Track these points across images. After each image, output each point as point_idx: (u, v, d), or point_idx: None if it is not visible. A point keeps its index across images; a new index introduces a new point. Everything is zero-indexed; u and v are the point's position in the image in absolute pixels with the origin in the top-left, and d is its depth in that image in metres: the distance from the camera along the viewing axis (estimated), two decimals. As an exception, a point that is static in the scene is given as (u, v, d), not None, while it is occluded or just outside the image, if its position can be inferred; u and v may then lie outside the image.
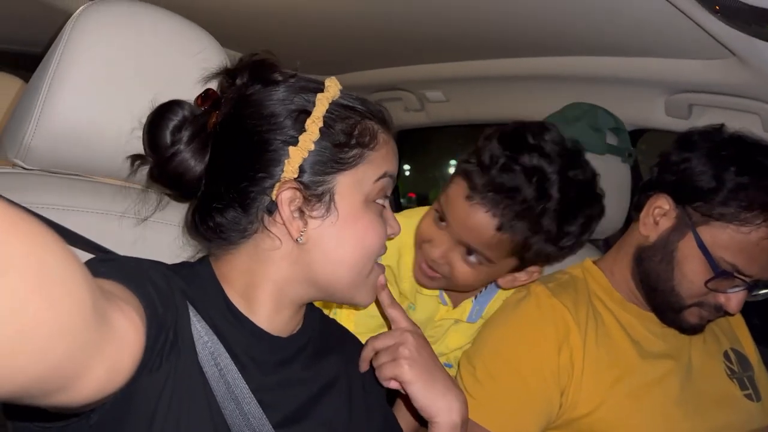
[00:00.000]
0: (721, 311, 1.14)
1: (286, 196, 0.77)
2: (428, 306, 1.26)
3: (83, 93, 0.89)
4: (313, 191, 0.78)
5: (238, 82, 0.83)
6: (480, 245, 1.07)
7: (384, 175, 0.83)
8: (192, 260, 0.91)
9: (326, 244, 0.80)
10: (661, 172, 1.21)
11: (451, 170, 1.20)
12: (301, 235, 0.79)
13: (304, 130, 0.78)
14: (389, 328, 0.98)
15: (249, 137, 0.79)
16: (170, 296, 0.71)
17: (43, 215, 0.81)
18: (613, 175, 1.48)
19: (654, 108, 1.60)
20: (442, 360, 1.18)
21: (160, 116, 0.84)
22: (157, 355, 0.66)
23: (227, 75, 0.85)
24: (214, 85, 0.88)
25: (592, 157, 1.40)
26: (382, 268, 0.90)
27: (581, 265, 1.32)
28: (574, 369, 1.12)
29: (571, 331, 1.14)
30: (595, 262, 1.32)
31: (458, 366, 1.21)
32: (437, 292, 1.25)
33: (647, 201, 1.20)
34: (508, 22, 1.45)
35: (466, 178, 1.07)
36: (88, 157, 0.93)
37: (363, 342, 0.99)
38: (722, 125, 1.18)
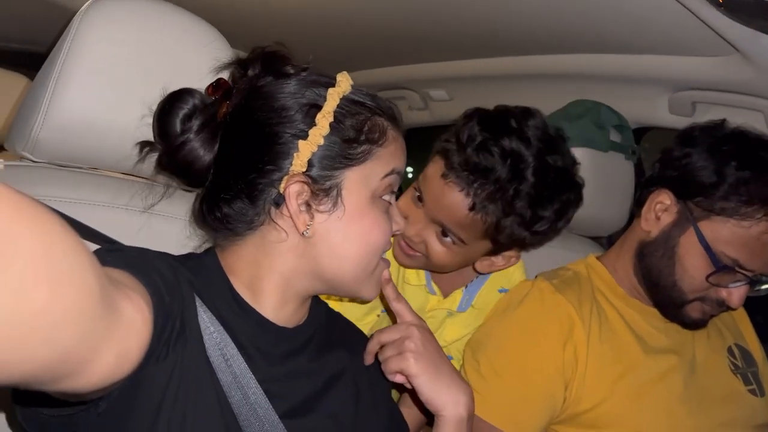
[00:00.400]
0: (724, 306, 1.15)
1: (293, 190, 0.78)
2: (416, 297, 1.26)
3: (90, 86, 0.90)
4: (321, 185, 0.79)
5: (250, 73, 0.83)
6: (453, 225, 1.07)
7: (392, 172, 0.84)
8: (198, 251, 0.92)
9: (332, 239, 0.80)
10: (662, 167, 1.21)
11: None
12: (308, 229, 0.79)
13: (315, 125, 0.78)
14: (394, 321, 0.98)
15: (259, 129, 0.80)
16: (177, 286, 0.71)
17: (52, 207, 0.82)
18: (616, 173, 1.48)
19: (657, 106, 1.60)
20: (443, 352, 1.19)
21: (170, 104, 0.85)
22: (164, 344, 0.67)
23: (239, 66, 0.85)
24: (225, 75, 0.88)
25: (595, 155, 1.42)
26: (387, 263, 0.90)
27: (585, 261, 1.32)
28: (578, 364, 1.13)
29: (575, 326, 1.15)
30: (598, 258, 1.32)
31: (462, 360, 1.21)
32: (423, 281, 1.25)
33: (649, 196, 1.20)
34: (512, 20, 1.46)
35: (443, 156, 1.07)
36: (95, 149, 0.94)
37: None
38: (724, 120, 1.18)
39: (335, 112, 0.80)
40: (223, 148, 0.82)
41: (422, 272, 1.26)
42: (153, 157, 0.90)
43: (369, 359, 0.96)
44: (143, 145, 0.90)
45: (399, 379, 0.92)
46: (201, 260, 0.85)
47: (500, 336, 1.18)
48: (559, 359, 1.12)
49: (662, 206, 1.18)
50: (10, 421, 0.91)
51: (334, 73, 0.83)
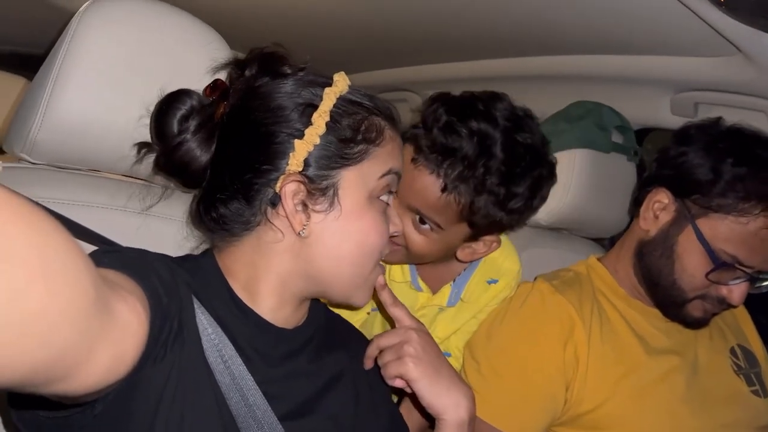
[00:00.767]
0: (725, 304, 1.15)
1: (289, 189, 0.77)
2: (404, 296, 1.22)
3: (89, 87, 0.90)
4: (317, 185, 0.78)
5: (247, 73, 0.83)
6: (427, 209, 1.06)
7: (389, 172, 0.83)
8: (196, 253, 0.91)
9: (329, 239, 0.80)
10: (659, 166, 1.22)
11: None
12: (304, 229, 0.78)
13: (311, 124, 0.78)
14: (390, 323, 0.98)
15: (255, 129, 0.79)
16: (174, 287, 0.71)
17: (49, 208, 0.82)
18: (618, 174, 1.48)
19: (659, 107, 1.59)
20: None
21: (168, 105, 0.85)
22: (162, 345, 0.66)
23: (236, 66, 0.85)
24: (222, 76, 0.88)
25: (597, 156, 1.42)
26: (383, 268, 0.90)
27: (585, 262, 1.32)
28: (579, 364, 1.12)
29: (576, 327, 1.14)
30: (599, 259, 1.32)
31: (462, 361, 1.21)
32: (408, 278, 1.25)
33: (647, 196, 1.21)
34: (513, 21, 1.46)
35: (412, 142, 1.06)
36: (93, 151, 0.94)
37: None
38: (719, 118, 1.19)
39: (332, 111, 0.79)
40: (220, 149, 0.82)
41: (407, 269, 1.25)
42: (151, 159, 0.91)
43: (368, 364, 0.96)
44: (141, 146, 0.90)
45: (399, 383, 0.92)
46: (199, 262, 0.84)
47: (501, 336, 1.18)
48: (559, 359, 1.12)
49: (660, 205, 1.18)
50: (6, 423, 0.90)
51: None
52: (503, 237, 1.21)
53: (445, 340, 1.27)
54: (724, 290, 1.12)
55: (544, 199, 1.11)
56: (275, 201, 0.79)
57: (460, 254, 1.17)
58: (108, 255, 0.66)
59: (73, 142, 0.91)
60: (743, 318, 1.37)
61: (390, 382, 0.92)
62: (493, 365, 1.14)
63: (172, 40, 0.95)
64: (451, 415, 0.90)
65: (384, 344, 0.93)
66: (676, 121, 1.59)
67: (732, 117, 1.23)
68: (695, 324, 1.18)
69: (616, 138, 1.49)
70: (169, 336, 0.67)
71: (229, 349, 0.75)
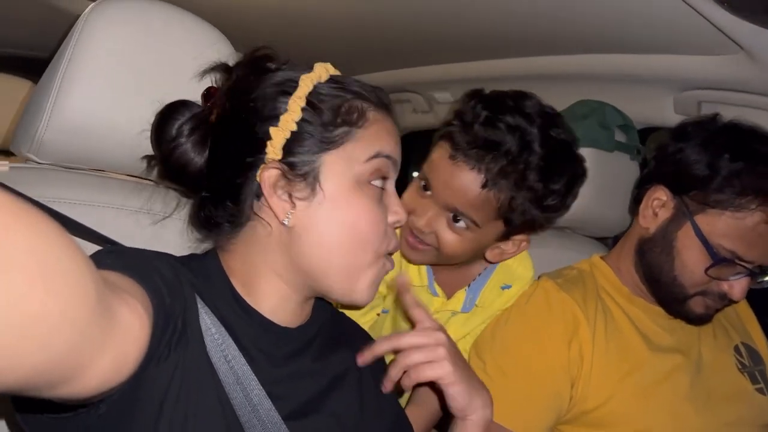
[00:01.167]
0: (726, 299, 1.15)
1: (267, 177, 0.78)
2: (419, 297, 1.24)
3: (95, 87, 0.91)
4: (298, 171, 0.78)
5: (234, 75, 0.84)
6: (466, 206, 1.06)
7: (377, 155, 0.81)
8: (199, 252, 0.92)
9: (315, 228, 0.79)
10: (658, 164, 1.23)
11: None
12: (288, 217, 0.78)
13: (287, 111, 0.78)
14: (408, 328, 0.97)
15: (239, 125, 0.80)
16: (178, 287, 0.71)
17: (54, 209, 0.83)
18: (621, 173, 1.48)
19: (663, 105, 1.59)
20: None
21: (167, 115, 0.86)
22: (165, 345, 0.66)
23: (224, 71, 0.87)
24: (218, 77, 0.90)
25: (600, 155, 1.42)
26: (391, 263, 0.87)
27: (589, 260, 1.32)
28: (583, 362, 1.12)
29: (581, 325, 1.15)
30: (602, 258, 1.32)
31: (467, 360, 1.21)
32: (425, 282, 1.24)
33: (645, 193, 1.21)
34: (515, 21, 1.46)
35: (448, 139, 1.06)
36: (99, 151, 0.95)
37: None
38: (716, 114, 1.19)
39: (310, 96, 0.79)
40: (212, 150, 0.83)
41: (424, 272, 1.25)
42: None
43: (366, 360, 0.92)
44: (149, 158, 0.91)
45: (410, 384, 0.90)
46: (202, 261, 0.85)
47: (506, 335, 1.18)
48: (564, 357, 1.12)
49: (659, 202, 1.18)
50: (10, 424, 0.91)
51: (338, 76, 0.83)
52: None
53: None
54: (725, 286, 1.13)
55: (575, 197, 1.12)
56: (259, 193, 0.79)
57: (489, 255, 1.17)
58: (110, 256, 0.66)
59: (79, 142, 0.92)
60: (747, 317, 1.37)
61: (411, 383, 0.89)
62: (499, 364, 1.14)
63: (176, 40, 0.96)
64: (479, 415, 0.90)
65: (409, 344, 0.89)
66: (679, 120, 1.59)
67: (735, 115, 1.22)
68: (698, 320, 1.18)
69: (620, 137, 1.49)
70: (172, 336, 0.68)
71: (233, 349, 0.76)
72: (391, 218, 0.84)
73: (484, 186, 1.03)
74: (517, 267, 1.26)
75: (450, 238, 1.09)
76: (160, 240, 0.98)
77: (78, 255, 0.40)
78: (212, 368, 0.74)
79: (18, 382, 0.38)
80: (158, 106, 0.88)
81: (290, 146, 0.78)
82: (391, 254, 0.85)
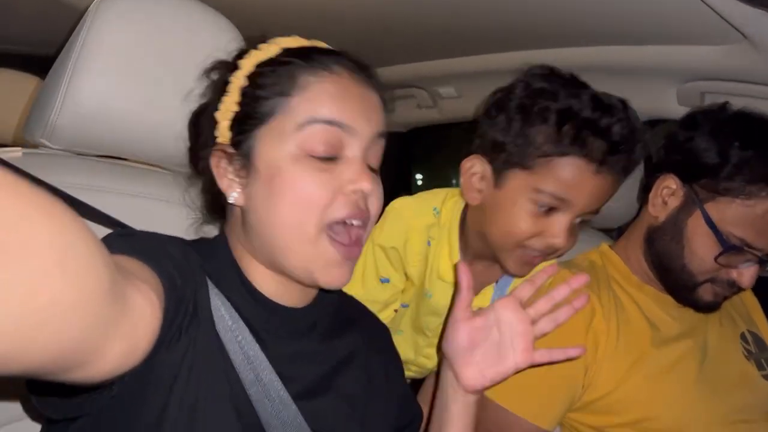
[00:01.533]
0: (735, 287, 1.15)
1: (212, 159, 0.81)
2: (447, 293, 1.24)
3: (106, 74, 0.92)
4: (240, 151, 0.79)
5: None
6: (602, 204, 1.07)
7: (309, 122, 0.76)
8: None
9: (255, 206, 0.78)
10: (667, 152, 1.23)
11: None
12: (232, 198, 0.80)
13: (227, 93, 0.81)
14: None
15: (207, 113, 0.85)
16: (189, 270, 0.72)
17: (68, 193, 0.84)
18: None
19: (666, 98, 1.59)
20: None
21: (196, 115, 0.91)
22: (177, 328, 0.67)
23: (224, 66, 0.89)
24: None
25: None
26: (351, 244, 0.79)
27: (598, 250, 1.33)
28: (597, 350, 1.13)
29: (596, 314, 1.15)
30: (611, 247, 1.32)
31: None
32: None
33: (655, 182, 1.21)
34: (518, 13, 1.46)
35: (583, 156, 1.01)
36: (111, 137, 0.96)
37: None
38: (726, 103, 1.20)
39: (253, 76, 0.80)
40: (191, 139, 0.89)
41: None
42: (165, 147, 0.94)
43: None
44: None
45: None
46: (212, 245, 0.86)
47: None
48: (581, 346, 1.12)
49: (668, 191, 1.19)
50: (26, 407, 0.92)
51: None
52: None
53: None
54: (734, 273, 1.13)
55: None
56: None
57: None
58: (121, 239, 0.67)
59: (92, 127, 0.93)
60: (753, 306, 1.38)
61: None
62: None
63: (185, 28, 0.97)
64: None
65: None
66: (683, 112, 1.58)
67: (739, 106, 1.23)
68: (706, 308, 1.19)
69: (623, 128, 1.49)
70: (184, 319, 0.69)
71: (243, 330, 0.77)
72: (351, 186, 0.77)
73: (619, 181, 1.06)
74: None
75: (574, 240, 1.10)
76: (170, 226, 0.98)
77: (93, 242, 0.40)
78: (223, 349, 0.75)
79: (32, 367, 0.38)
80: (168, 93, 0.90)
81: (236, 127, 0.80)
82: (340, 221, 0.78)
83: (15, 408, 0.92)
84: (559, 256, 1.13)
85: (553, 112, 1.02)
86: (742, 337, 1.27)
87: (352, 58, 0.82)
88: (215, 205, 0.87)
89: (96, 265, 0.40)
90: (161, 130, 0.95)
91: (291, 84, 0.77)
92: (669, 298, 1.22)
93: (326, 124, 0.76)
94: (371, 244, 1.24)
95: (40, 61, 1.75)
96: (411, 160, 2.78)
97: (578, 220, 1.07)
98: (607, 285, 1.22)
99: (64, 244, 0.37)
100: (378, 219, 0.86)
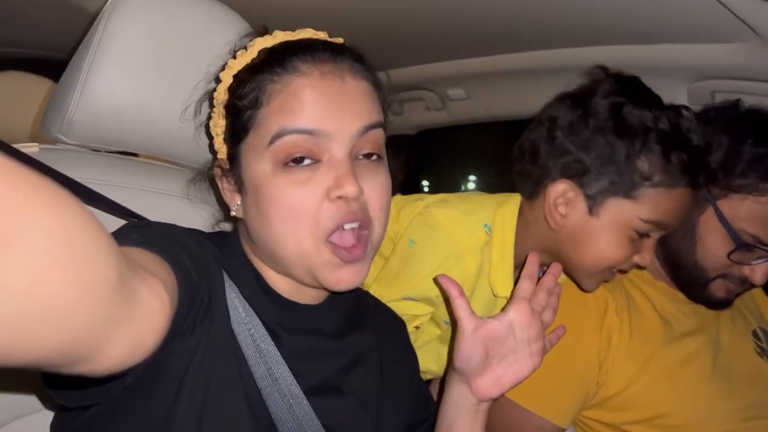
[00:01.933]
0: (747, 283, 1.15)
1: (216, 172, 0.84)
2: (484, 301, 1.18)
3: (122, 69, 0.93)
4: (233, 165, 0.80)
5: None
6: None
7: (282, 133, 0.73)
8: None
9: (254, 219, 0.79)
10: None
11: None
12: (234, 210, 0.82)
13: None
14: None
15: None
16: (205, 263, 0.73)
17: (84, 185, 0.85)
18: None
19: (677, 96, 1.58)
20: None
21: None
22: (191, 321, 0.68)
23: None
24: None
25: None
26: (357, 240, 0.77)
27: None
28: (611, 347, 1.13)
29: (610, 309, 1.15)
30: (621, 245, 1.32)
31: None
32: (509, 293, 1.14)
33: None
34: (528, 13, 1.46)
35: (689, 185, 1.02)
36: (127, 133, 0.97)
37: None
38: (738, 100, 1.20)
39: (230, 87, 0.81)
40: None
41: (512, 284, 1.14)
42: (180, 144, 0.95)
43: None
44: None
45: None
46: (229, 239, 0.87)
47: None
48: (596, 344, 1.13)
49: None
50: (41, 397, 0.93)
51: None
52: None
53: None
54: (746, 270, 1.13)
55: None
56: None
57: None
58: (137, 230, 0.68)
59: (108, 122, 0.94)
60: (764, 303, 1.37)
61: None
62: None
63: (200, 25, 0.98)
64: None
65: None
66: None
67: (750, 104, 1.23)
68: (718, 304, 1.18)
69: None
70: (198, 312, 0.69)
71: (257, 324, 0.77)
72: (335, 192, 0.74)
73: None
74: None
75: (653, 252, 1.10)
76: (186, 222, 0.99)
77: (100, 236, 0.39)
78: (236, 342, 0.75)
79: (35, 360, 0.37)
80: (182, 90, 0.90)
81: (228, 141, 0.81)
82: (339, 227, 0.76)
83: (28, 401, 0.93)
84: None
85: (655, 140, 1.00)
86: (754, 334, 1.26)
87: (328, 46, 0.78)
88: (228, 211, 0.87)
89: (103, 259, 0.39)
90: (176, 126, 0.96)
91: (260, 94, 0.75)
92: (681, 295, 1.22)
93: (297, 134, 0.73)
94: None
95: (53, 64, 1.78)
96: (421, 161, 2.77)
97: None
98: (619, 281, 1.22)
99: (71, 237, 0.36)
100: (388, 208, 0.81)
